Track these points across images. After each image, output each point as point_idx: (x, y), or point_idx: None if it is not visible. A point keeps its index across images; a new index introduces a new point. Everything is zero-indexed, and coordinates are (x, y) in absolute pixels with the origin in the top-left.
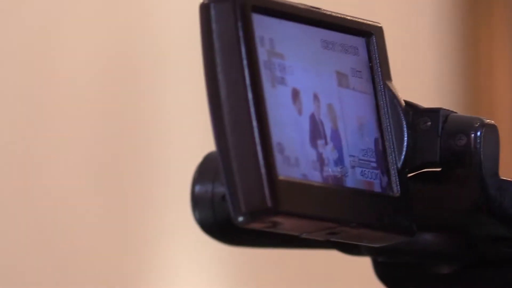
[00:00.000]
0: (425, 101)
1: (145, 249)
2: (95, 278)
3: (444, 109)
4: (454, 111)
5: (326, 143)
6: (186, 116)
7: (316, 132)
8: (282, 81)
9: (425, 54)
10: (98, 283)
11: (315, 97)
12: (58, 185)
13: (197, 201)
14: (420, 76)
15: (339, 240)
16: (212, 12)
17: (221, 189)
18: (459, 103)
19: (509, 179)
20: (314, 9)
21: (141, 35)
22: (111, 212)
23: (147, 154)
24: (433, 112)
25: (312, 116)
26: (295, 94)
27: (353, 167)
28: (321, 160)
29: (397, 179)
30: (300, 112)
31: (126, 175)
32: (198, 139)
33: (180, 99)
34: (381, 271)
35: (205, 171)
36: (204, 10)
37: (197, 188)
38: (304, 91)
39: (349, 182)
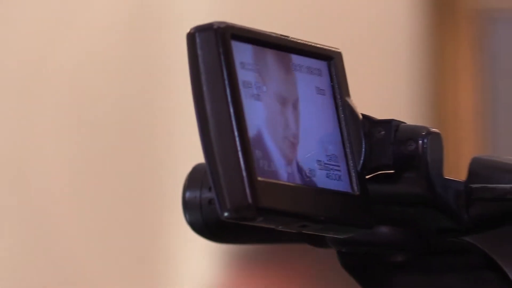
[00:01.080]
0: (399, 109)
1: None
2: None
3: (396, 120)
4: (403, 121)
5: (297, 150)
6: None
7: (290, 142)
8: (258, 97)
9: (398, 67)
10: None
11: (289, 112)
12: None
13: (187, 205)
14: (395, 87)
15: (310, 232)
16: (197, 39)
17: (207, 194)
18: (420, 113)
19: (452, 178)
20: (284, 37)
21: (150, 35)
22: (129, 204)
23: (154, 155)
24: (386, 123)
25: (286, 127)
26: (271, 110)
27: (320, 170)
28: (293, 164)
29: (357, 180)
30: (276, 124)
31: (133, 175)
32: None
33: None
34: (344, 261)
35: (193, 180)
36: (190, 38)
37: (187, 194)
38: (279, 109)
39: (318, 183)
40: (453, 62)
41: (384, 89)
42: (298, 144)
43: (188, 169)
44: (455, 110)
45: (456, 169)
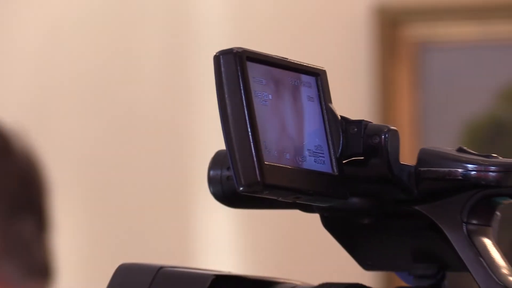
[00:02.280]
0: (357, 115)
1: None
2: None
3: (365, 120)
4: (371, 121)
5: (293, 142)
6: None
7: (289, 136)
8: (265, 103)
9: (356, 85)
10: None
11: (288, 113)
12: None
13: (211, 181)
14: (352, 99)
15: (301, 202)
16: (221, 60)
17: (226, 173)
18: (375, 116)
19: (406, 163)
20: (284, 58)
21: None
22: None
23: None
24: (358, 122)
25: (287, 126)
26: (275, 112)
27: (309, 156)
28: (290, 152)
29: (336, 164)
30: (278, 123)
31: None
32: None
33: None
34: (326, 223)
35: (216, 162)
36: (216, 59)
37: (211, 172)
38: (280, 111)
39: (308, 166)
40: (395, 81)
41: (344, 102)
42: (294, 137)
43: (212, 154)
44: (395, 116)
45: None
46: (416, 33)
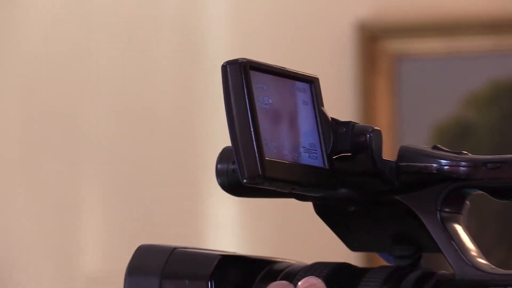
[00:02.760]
0: (342, 117)
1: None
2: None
3: (353, 121)
4: (358, 122)
5: (290, 140)
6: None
7: (286, 134)
8: (266, 107)
9: (340, 93)
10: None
11: (286, 115)
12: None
13: (218, 173)
14: (337, 106)
15: (297, 192)
16: (228, 69)
17: (232, 166)
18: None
19: (387, 159)
20: (283, 68)
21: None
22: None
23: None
24: (347, 123)
25: (284, 126)
26: (274, 114)
27: (304, 152)
28: (288, 149)
29: (327, 159)
30: (277, 123)
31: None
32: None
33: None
34: (318, 210)
35: (223, 157)
36: (223, 68)
37: (219, 166)
38: (279, 113)
39: (302, 161)
40: (374, 89)
41: (332, 106)
42: (291, 136)
43: (219, 150)
44: (375, 119)
45: None
46: (392, 47)
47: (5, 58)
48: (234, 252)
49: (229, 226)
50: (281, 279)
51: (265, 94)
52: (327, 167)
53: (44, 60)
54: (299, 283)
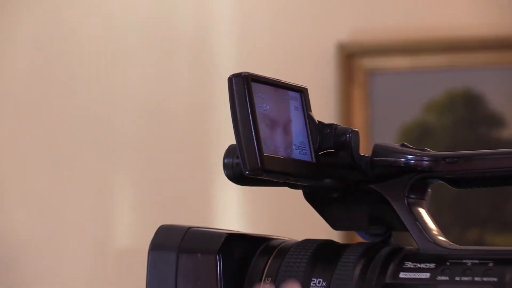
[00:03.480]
0: (325, 121)
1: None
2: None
3: (335, 124)
4: (339, 124)
5: (284, 139)
6: (228, 123)
7: (281, 134)
8: (264, 112)
9: (324, 100)
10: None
11: (281, 118)
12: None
13: (225, 166)
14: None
15: (290, 182)
16: (233, 81)
17: (236, 160)
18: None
19: (364, 155)
20: (278, 80)
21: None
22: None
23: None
24: (330, 125)
25: (279, 127)
26: (271, 118)
27: (295, 149)
28: (282, 146)
29: (315, 155)
30: (273, 125)
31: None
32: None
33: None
34: (307, 196)
35: (229, 153)
36: (229, 80)
37: (225, 160)
38: (275, 117)
39: (294, 156)
40: (351, 98)
41: (316, 111)
42: (285, 136)
43: (226, 147)
44: (353, 123)
45: None
46: (366, 64)
47: (62, 71)
48: (237, 231)
49: (234, 209)
50: (276, 254)
51: (264, 101)
52: (314, 161)
53: (89, 74)
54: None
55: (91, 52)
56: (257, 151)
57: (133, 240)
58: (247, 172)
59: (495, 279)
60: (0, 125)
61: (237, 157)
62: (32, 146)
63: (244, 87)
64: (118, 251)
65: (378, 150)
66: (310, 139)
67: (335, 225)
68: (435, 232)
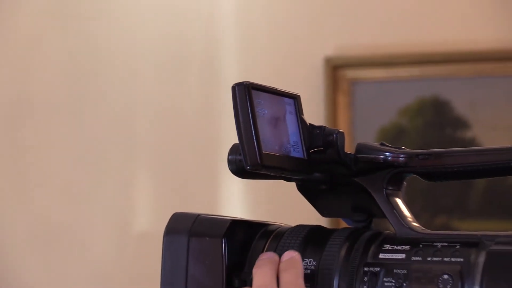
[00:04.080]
0: (315, 123)
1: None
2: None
3: (324, 126)
4: (327, 126)
5: (280, 139)
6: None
7: (278, 135)
8: (263, 116)
9: (314, 106)
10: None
11: (277, 121)
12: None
13: (229, 162)
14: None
15: (285, 176)
16: (236, 89)
17: (239, 157)
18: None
19: (349, 152)
20: (275, 88)
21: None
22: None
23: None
24: (320, 127)
25: (276, 128)
26: (269, 121)
27: (290, 148)
28: (278, 145)
29: (306, 153)
30: (271, 127)
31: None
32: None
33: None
34: (299, 188)
35: (232, 150)
36: (233, 88)
37: (230, 157)
38: (272, 120)
39: (289, 154)
40: (337, 103)
41: (307, 115)
42: (281, 136)
43: (230, 146)
44: (338, 125)
45: None
46: (349, 75)
47: (98, 77)
48: (240, 217)
49: (237, 199)
50: (273, 238)
51: (263, 106)
52: (306, 158)
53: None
54: (283, 254)
55: (118, 65)
56: (256, 149)
57: (151, 225)
58: (248, 167)
59: (461, 260)
60: (46, 129)
61: (240, 154)
62: (70, 145)
63: (245, 94)
64: (139, 234)
65: (360, 148)
66: (302, 139)
67: (323, 213)
68: (409, 219)
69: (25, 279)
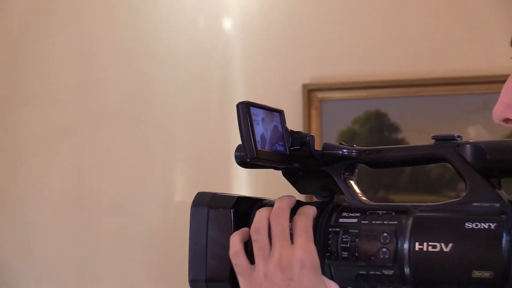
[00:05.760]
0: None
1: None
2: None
3: (301, 131)
4: (302, 131)
5: (270, 140)
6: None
7: (268, 137)
8: (258, 124)
9: (293, 118)
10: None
11: (268, 128)
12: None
13: (236, 157)
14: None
15: (274, 166)
16: (239, 106)
17: (242, 153)
18: (303, 131)
19: (318, 149)
20: (266, 105)
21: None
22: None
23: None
24: (298, 132)
25: (267, 133)
26: (262, 127)
27: (277, 146)
28: (269, 144)
29: (288, 150)
30: (264, 132)
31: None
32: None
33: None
34: (284, 174)
35: (237, 149)
36: (237, 105)
37: (236, 153)
38: (267, 127)
39: (276, 150)
40: (311, 116)
41: (288, 125)
42: (270, 138)
43: (235, 146)
44: (311, 130)
45: None
46: (320, 95)
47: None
48: (244, 195)
49: (242, 182)
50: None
51: (258, 117)
52: (288, 153)
53: (157, 100)
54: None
55: (158, 86)
56: (253, 147)
57: (186, 198)
58: (248, 160)
59: (396, 222)
60: (106, 131)
61: (242, 151)
62: (134, 142)
63: (246, 110)
64: (177, 204)
65: (326, 146)
66: (286, 140)
67: (301, 191)
68: (359, 195)
69: (97, 237)
